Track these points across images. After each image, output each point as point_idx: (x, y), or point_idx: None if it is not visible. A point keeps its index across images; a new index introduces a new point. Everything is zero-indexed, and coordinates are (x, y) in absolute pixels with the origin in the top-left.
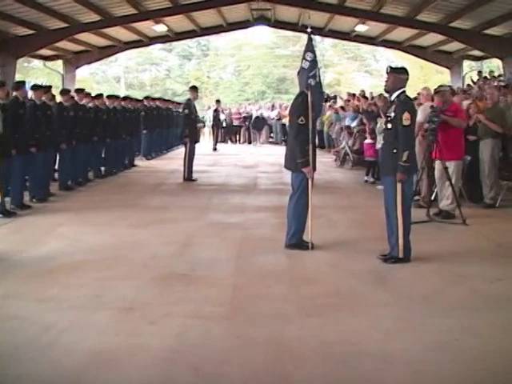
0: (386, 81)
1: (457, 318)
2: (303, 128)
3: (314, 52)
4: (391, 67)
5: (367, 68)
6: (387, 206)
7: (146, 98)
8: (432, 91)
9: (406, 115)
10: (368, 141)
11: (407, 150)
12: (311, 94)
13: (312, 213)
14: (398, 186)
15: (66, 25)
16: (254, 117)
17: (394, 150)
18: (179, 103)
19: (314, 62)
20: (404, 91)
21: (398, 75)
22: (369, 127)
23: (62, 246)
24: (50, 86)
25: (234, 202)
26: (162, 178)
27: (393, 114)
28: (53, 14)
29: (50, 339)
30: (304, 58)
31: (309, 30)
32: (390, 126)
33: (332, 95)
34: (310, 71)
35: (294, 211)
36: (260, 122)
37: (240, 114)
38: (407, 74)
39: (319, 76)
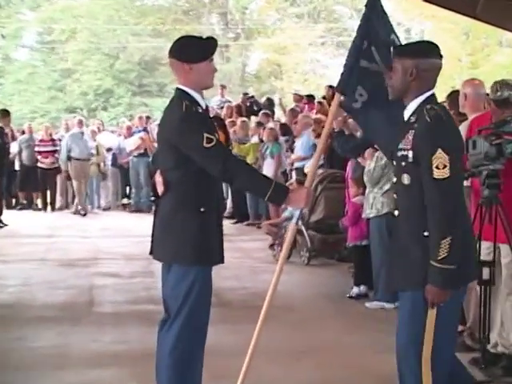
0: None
1: None
2: (217, 151)
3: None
4: (398, 46)
5: (341, 38)
6: (400, 354)
7: None
8: (488, 88)
9: (439, 156)
10: (356, 199)
11: (448, 233)
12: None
13: (217, 365)
14: (431, 313)
15: None
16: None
17: (425, 233)
18: None
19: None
20: (431, 96)
21: (413, 61)
22: (349, 171)
23: None
24: None
25: (41, 346)
26: None
27: (411, 154)
28: None
29: None
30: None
31: None
32: (406, 179)
33: (264, 100)
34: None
35: (170, 364)
36: None
37: (54, 142)
38: (438, 56)
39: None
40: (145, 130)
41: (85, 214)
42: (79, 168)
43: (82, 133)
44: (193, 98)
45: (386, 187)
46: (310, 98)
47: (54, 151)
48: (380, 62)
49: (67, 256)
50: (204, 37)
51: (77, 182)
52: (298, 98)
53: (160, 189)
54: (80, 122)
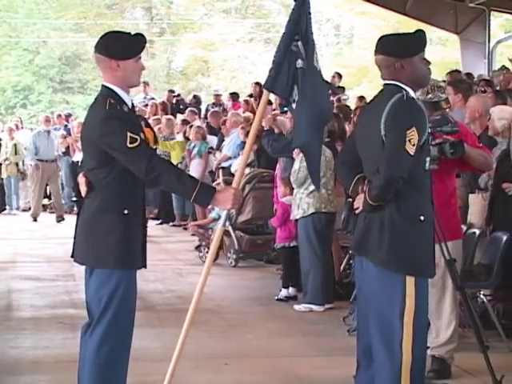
0: None
1: None
2: (139, 153)
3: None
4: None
5: (269, 34)
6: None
7: None
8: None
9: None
10: (285, 199)
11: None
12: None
13: (141, 370)
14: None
15: None
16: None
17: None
18: None
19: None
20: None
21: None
22: (278, 171)
23: None
24: None
25: None
26: None
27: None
28: None
29: None
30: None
31: None
32: None
33: (191, 97)
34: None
35: (93, 369)
36: None
37: None
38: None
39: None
40: (65, 127)
41: (62, 219)
42: (43, 170)
43: (49, 131)
44: (118, 96)
45: (312, 188)
46: (234, 95)
47: None
48: (305, 58)
49: None
50: (132, 33)
51: (39, 185)
52: (217, 97)
53: (83, 190)
54: (47, 120)
